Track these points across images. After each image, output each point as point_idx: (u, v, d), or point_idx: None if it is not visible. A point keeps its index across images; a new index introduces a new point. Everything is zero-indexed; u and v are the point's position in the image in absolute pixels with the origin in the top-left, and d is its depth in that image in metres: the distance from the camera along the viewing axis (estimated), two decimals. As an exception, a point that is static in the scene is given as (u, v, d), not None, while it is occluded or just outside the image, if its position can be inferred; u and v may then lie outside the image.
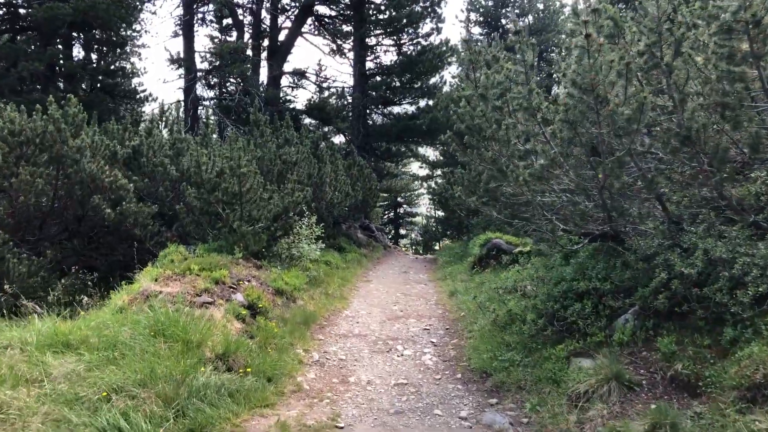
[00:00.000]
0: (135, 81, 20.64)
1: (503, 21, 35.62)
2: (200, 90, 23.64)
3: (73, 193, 8.60)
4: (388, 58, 20.14)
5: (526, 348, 5.04)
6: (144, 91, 21.46)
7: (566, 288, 5.03)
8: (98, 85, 19.99)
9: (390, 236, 40.36)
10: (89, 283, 6.93)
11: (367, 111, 18.92)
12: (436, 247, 40.28)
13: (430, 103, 18.91)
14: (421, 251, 40.12)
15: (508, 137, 4.99)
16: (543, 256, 7.62)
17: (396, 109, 19.85)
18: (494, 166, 5.28)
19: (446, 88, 19.58)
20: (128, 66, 21.05)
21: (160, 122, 10.87)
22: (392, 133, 18.34)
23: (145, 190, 9.30)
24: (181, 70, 18.63)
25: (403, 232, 42.48)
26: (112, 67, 20.54)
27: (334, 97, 23.50)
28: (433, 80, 19.16)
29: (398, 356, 5.52)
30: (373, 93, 19.43)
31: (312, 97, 30.08)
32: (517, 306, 5.97)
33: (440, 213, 41.40)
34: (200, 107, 19.00)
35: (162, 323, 4.60)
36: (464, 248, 12.97)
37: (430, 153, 38.83)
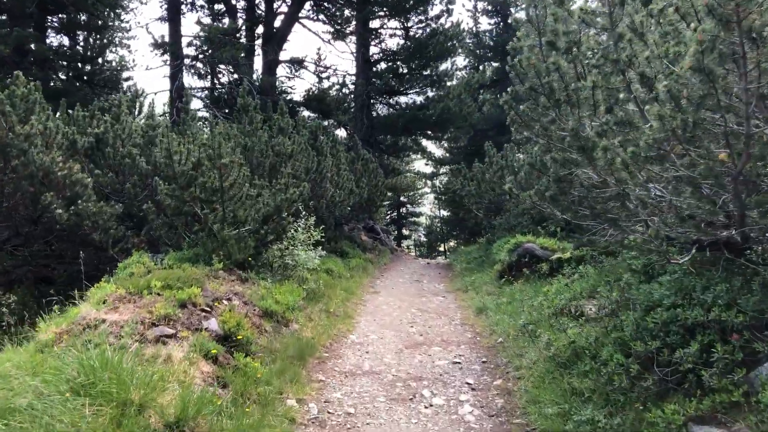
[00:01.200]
0: (125, 74, 19.37)
1: (512, 10, 34.25)
2: (189, 80, 22.34)
3: (21, 189, 7.24)
4: (394, 42, 18.72)
5: (610, 401, 3.66)
6: (128, 79, 20.13)
7: (667, 318, 3.64)
8: (75, 73, 18.67)
9: (393, 237, 39.13)
10: (49, 298, 5.53)
11: (371, 101, 17.51)
12: (441, 248, 39.12)
13: (441, 93, 17.50)
14: (426, 253, 38.88)
15: (595, 100, 3.60)
16: (596, 264, 6.25)
17: (402, 100, 18.46)
18: (574, 143, 3.88)
19: (457, 78, 18.20)
20: (115, 57, 19.74)
21: (132, 107, 9.52)
22: (399, 125, 16.96)
23: (109, 187, 7.93)
24: (167, 57, 17.26)
25: (405, 232, 41.25)
26: (91, 53, 19.23)
27: (335, 87, 22.12)
28: (443, 67, 17.78)
29: (425, 407, 4.14)
30: (378, 81, 18.02)
31: (310, 88, 28.70)
32: (580, 335, 4.59)
33: (445, 213, 40.22)
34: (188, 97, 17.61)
35: (92, 373, 3.22)
36: (485, 252, 11.57)
37: (436, 150, 37.53)
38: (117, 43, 20.36)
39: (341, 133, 22.86)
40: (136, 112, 10.01)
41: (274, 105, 12.70)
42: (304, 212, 7.81)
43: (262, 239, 7.27)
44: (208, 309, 4.94)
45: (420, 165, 41.18)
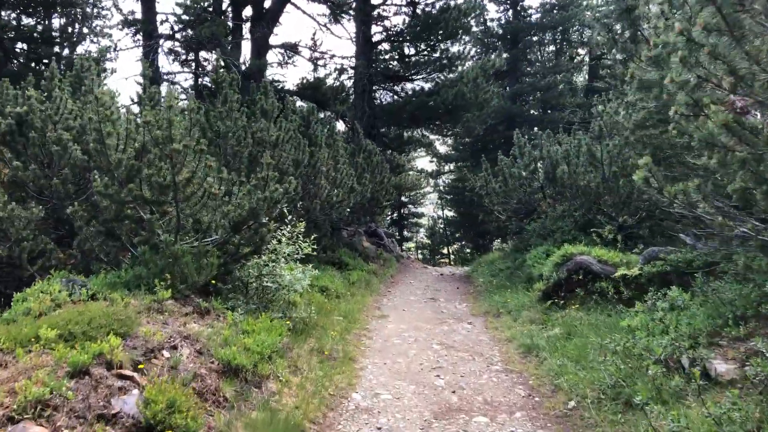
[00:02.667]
0: (109, 65, 17.64)
1: (523, -6, 32.56)
2: (171, 68, 20.61)
3: None
4: (399, 20, 16.92)
5: None
6: (113, 71, 18.36)
7: None
8: (44, 56, 16.87)
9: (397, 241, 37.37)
10: None
11: (373, 86, 15.72)
12: (444, 251, 37.37)
13: (452, 77, 15.73)
14: (429, 256, 37.13)
15: None
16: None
17: (408, 87, 16.66)
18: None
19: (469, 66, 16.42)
20: (95, 46, 17.95)
21: (79, 83, 7.77)
22: (404, 114, 15.21)
23: (33, 183, 6.17)
24: (139, 37, 15.49)
25: (407, 234, 39.73)
26: (61, 37, 17.43)
27: (332, 75, 20.44)
28: (455, 49, 16.01)
29: None
30: (380, 66, 16.25)
31: (305, 76, 26.95)
32: (730, 417, 2.86)
33: (449, 213, 38.62)
34: (166, 83, 15.90)
35: None
36: (514, 263, 9.84)
37: (440, 146, 35.82)
38: (98, 32, 18.60)
39: (340, 126, 21.12)
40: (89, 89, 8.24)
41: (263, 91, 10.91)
42: (290, 216, 6.06)
43: (233, 253, 5.53)
44: (128, 375, 3.18)
45: (423, 163, 39.57)
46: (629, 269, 6.40)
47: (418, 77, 17.11)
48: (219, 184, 5.45)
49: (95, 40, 18.34)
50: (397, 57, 16.01)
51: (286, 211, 6.27)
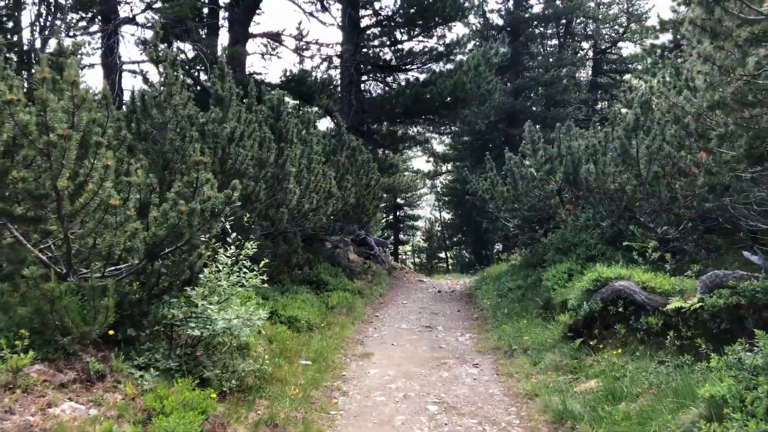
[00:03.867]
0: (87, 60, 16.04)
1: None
2: (136, 54, 19.09)
3: None
4: (390, 0, 15.40)
5: None
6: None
7: None
8: None
9: (390, 243, 35.99)
10: None
11: (362, 76, 14.25)
12: (442, 255, 35.93)
13: (450, 67, 14.30)
14: (426, 261, 35.70)
15: None
16: None
17: (402, 78, 15.19)
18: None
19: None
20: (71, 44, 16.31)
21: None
22: (396, 108, 13.76)
23: None
24: (95, 24, 14.00)
25: (403, 237, 38.54)
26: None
27: (321, 65, 19.00)
28: (452, 35, 14.55)
29: None
30: (370, 54, 14.81)
31: (289, 69, 25.56)
32: None
33: (447, 215, 37.26)
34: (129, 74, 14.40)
35: None
36: (525, 281, 8.41)
37: (437, 145, 34.47)
38: (73, 24, 16.99)
39: (328, 124, 19.68)
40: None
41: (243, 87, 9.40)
42: (235, 234, 4.60)
43: (150, 290, 4.07)
44: None
45: (419, 163, 38.25)
46: (684, 300, 4.98)
47: (413, 68, 15.69)
48: (128, 192, 4.00)
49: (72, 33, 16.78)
50: (388, 43, 14.57)
51: (228, 227, 4.80)
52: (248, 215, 5.98)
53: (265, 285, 4.60)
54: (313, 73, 18.90)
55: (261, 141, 6.98)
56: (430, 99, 12.96)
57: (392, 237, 35.97)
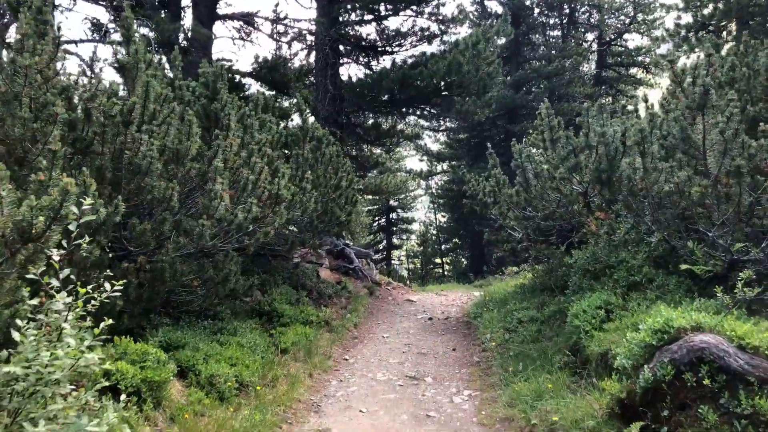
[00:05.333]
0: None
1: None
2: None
3: None
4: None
5: None
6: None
7: None
8: None
9: (382, 247, 34.39)
10: None
11: (341, 60, 12.36)
12: (437, 260, 34.18)
13: (443, 48, 12.48)
14: (421, 268, 33.92)
15: None
16: None
17: (386, 61, 13.31)
18: None
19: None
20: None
21: None
22: (380, 94, 11.92)
23: None
24: None
25: (396, 241, 37.08)
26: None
27: (298, 54, 17.31)
28: (446, 9, 12.68)
29: None
30: (350, 31, 12.95)
31: (262, 54, 23.76)
32: None
33: (442, 217, 35.58)
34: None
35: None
36: (541, 310, 6.58)
37: (431, 144, 32.79)
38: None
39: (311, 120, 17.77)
40: None
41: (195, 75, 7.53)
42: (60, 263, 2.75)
43: None
44: None
45: (413, 163, 36.52)
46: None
47: (400, 50, 13.84)
48: None
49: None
50: (370, 19, 12.71)
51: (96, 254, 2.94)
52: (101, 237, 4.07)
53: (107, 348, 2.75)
54: (291, 61, 17.15)
55: (178, 125, 5.13)
56: (421, 84, 11.12)
57: (385, 241, 34.34)
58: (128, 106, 4.63)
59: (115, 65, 5.31)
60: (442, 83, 10.97)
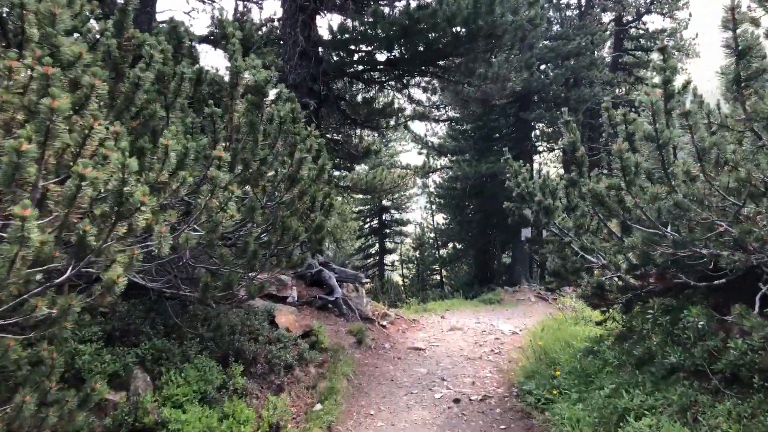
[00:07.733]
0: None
1: None
2: None
3: None
4: None
5: None
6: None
7: None
8: None
9: (374, 251, 31.53)
10: None
11: (319, 6, 8.87)
12: (435, 266, 31.18)
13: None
14: (417, 274, 30.90)
15: None
16: None
17: (383, 4, 9.83)
18: None
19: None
20: None
21: None
22: (374, 50, 8.54)
23: None
24: None
25: (390, 245, 34.85)
26: None
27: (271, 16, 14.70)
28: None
29: None
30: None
31: (219, 15, 20.59)
32: None
33: (441, 219, 32.69)
34: None
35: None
36: (669, 401, 3.34)
37: (430, 137, 29.98)
38: None
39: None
40: None
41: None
42: None
43: None
44: None
45: (408, 158, 33.58)
46: None
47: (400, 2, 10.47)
48: None
49: None
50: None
51: None
52: None
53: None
54: (264, 25, 14.08)
55: None
56: (431, 30, 7.72)
57: (377, 245, 31.62)
58: None
59: None
60: (464, 30, 7.61)
